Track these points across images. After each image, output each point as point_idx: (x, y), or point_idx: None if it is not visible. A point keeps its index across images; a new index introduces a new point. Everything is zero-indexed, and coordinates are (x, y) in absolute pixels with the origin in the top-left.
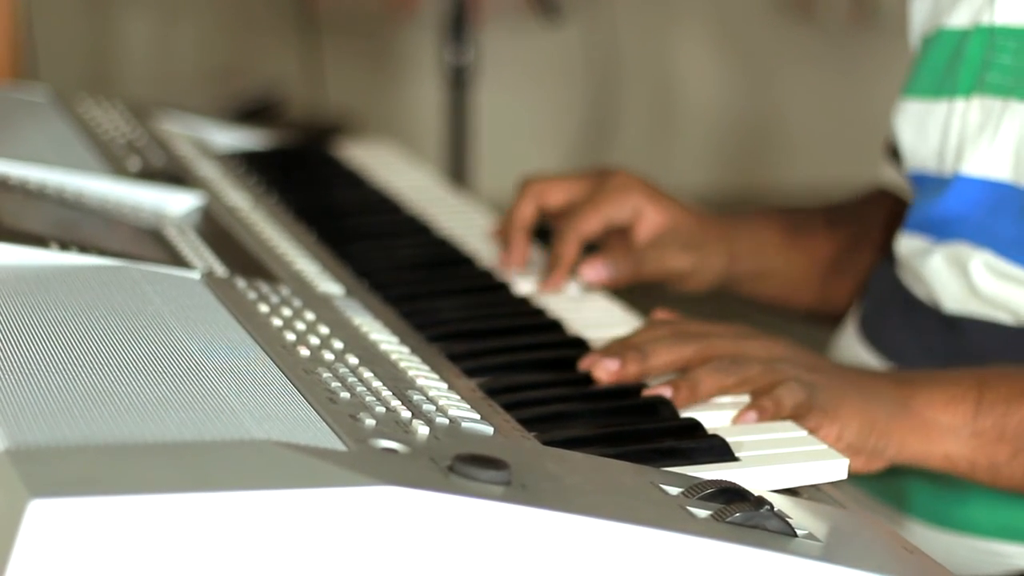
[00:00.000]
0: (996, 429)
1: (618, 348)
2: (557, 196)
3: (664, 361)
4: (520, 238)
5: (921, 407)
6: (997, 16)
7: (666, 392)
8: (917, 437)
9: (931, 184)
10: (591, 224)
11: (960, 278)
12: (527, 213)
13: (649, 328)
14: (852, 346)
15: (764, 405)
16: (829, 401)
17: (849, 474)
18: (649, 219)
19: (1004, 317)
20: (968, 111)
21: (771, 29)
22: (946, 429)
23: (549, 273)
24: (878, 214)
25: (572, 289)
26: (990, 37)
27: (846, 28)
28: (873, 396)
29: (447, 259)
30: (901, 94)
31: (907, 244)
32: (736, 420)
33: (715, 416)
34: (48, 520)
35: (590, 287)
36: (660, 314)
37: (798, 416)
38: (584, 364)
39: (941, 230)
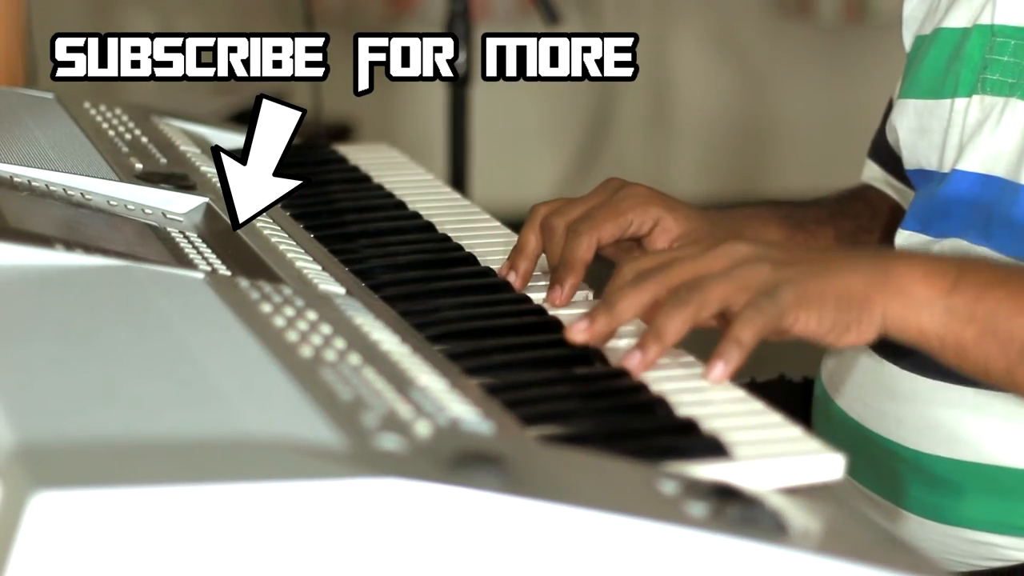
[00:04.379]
0: (967, 309)
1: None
2: (576, 213)
3: (631, 312)
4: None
5: (900, 275)
6: (998, 16)
7: (634, 359)
8: (897, 304)
9: (931, 180)
10: (609, 229)
11: None
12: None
13: (614, 277)
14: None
15: (728, 353)
16: (797, 295)
17: (846, 348)
18: (668, 229)
19: None
20: (969, 109)
21: (768, 31)
22: (922, 301)
23: (560, 277)
24: (875, 209)
25: (577, 295)
26: (990, 36)
27: (843, 29)
28: (849, 270)
29: (448, 258)
30: (899, 94)
31: (907, 239)
32: (705, 375)
33: (713, 413)
34: (52, 512)
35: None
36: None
37: (771, 333)
38: (566, 334)
39: (940, 227)
